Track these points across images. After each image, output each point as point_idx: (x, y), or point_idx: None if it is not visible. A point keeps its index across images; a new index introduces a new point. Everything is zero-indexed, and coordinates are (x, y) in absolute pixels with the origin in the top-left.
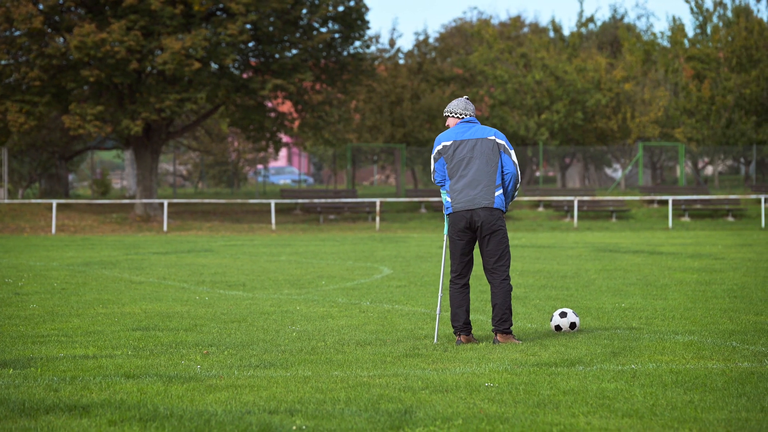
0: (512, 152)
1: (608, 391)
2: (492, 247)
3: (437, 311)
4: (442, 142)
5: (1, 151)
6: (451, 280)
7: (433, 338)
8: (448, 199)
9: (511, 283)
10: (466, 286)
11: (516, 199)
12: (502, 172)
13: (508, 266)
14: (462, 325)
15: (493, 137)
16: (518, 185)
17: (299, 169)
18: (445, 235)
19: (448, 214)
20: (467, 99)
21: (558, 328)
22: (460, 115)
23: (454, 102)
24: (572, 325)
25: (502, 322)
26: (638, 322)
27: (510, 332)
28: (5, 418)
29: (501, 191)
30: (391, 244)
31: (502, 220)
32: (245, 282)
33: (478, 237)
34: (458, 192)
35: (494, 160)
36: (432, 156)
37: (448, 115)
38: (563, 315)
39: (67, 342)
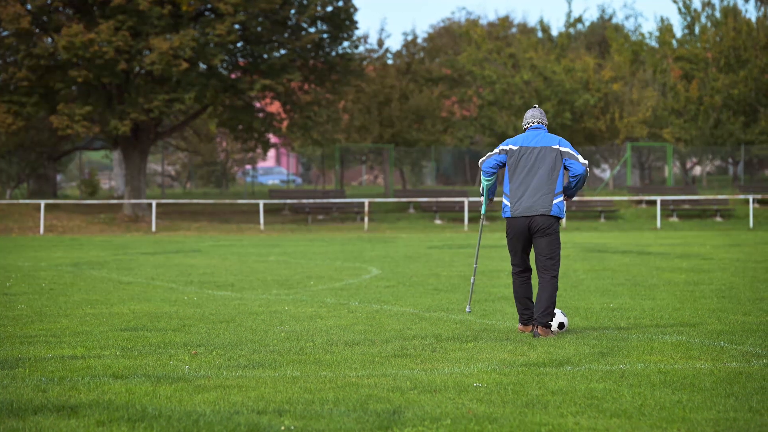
0: (578, 156)
1: (597, 391)
2: (544, 247)
3: (472, 280)
4: (509, 144)
5: None
6: (514, 274)
7: (421, 338)
8: (507, 203)
9: (558, 284)
10: (528, 277)
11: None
12: (568, 176)
13: (558, 266)
14: (531, 314)
15: (557, 146)
16: (583, 182)
17: (288, 169)
18: (483, 215)
19: (506, 217)
20: (538, 108)
21: None
22: (528, 123)
23: (527, 112)
24: (560, 325)
25: (546, 315)
26: (627, 323)
27: (550, 326)
28: None
29: (561, 198)
30: (380, 244)
31: (557, 225)
32: (234, 282)
33: (533, 237)
34: (518, 198)
35: (557, 168)
36: (497, 149)
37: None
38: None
39: (56, 342)
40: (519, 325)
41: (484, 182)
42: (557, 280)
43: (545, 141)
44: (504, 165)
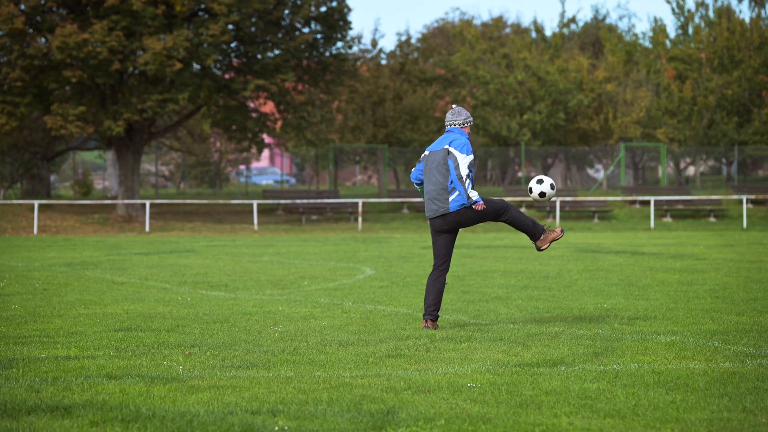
0: (459, 156)
1: (590, 391)
2: (441, 246)
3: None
4: (426, 151)
5: None
6: (434, 268)
7: (415, 339)
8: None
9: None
10: (443, 273)
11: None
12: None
13: (448, 265)
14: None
15: (447, 146)
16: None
17: (281, 169)
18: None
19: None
20: (455, 108)
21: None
22: (445, 125)
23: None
24: (542, 194)
25: (436, 309)
26: (620, 323)
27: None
28: None
29: (456, 193)
30: (374, 244)
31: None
32: (227, 283)
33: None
34: (425, 200)
35: (447, 167)
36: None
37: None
38: (540, 182)
39: (49, 343)
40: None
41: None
42: (445, 277)
43: (442, 143)
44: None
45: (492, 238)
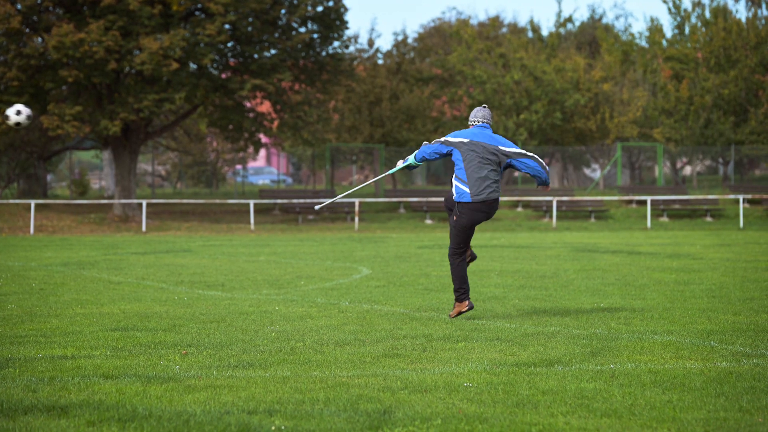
0: (526, 152)
1: (587, 391)
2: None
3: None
4: (459, 137)
5: None
6: (457, 255)
7: (412, 338)
8: (466, 189)
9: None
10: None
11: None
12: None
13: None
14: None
15: (500, 147)
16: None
17: (278, 169)
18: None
19: (465, 201)
20: (486, 108)
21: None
22: (476, 120)
23: (477, 111)
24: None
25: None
26: (617, 322)
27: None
28: None
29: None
30: (370, 244)
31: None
32: (224, 282)
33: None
34: (478, 187)
35: (501, 164)
36: (441, 139)
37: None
38: (18, 113)
39: (46, 342)
40: (456, 305)
41: (412, 162)
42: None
43: (490, 139)
44: (442, 155)
45: (488, 238)
